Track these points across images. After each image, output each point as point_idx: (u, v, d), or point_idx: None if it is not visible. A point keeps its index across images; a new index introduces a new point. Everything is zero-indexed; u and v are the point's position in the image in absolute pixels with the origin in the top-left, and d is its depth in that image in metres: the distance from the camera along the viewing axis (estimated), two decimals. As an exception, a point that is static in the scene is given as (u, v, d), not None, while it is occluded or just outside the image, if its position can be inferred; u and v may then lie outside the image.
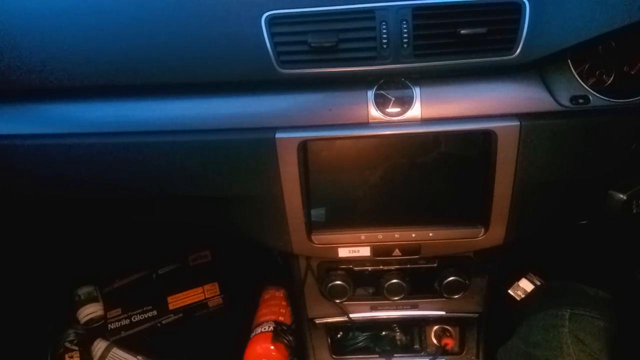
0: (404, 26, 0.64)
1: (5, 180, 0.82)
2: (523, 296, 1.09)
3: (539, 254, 1.15)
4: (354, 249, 0.82)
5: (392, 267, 0.91)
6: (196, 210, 0.87)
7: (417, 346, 1.05)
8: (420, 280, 0.92)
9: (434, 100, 0.71)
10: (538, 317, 0.88)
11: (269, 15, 0.65)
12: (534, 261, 1.16)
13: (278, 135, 0.71)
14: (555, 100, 0.69)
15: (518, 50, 0.65)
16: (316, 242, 0.81)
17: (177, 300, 1.38)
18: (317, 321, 1.00)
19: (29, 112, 0.75)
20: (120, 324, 1.35)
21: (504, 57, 0.66)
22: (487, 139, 0.71)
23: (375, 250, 0.82)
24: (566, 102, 0.69)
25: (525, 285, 1.11)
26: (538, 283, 1.11)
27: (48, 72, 0.70)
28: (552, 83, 0.69)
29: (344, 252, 0.83)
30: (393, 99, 0.71)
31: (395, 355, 1.03)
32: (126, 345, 1.28)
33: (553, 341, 0.82)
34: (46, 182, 0.81)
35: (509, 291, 1.12)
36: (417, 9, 0.64)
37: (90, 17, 0.69)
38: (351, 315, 0.97)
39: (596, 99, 0.69)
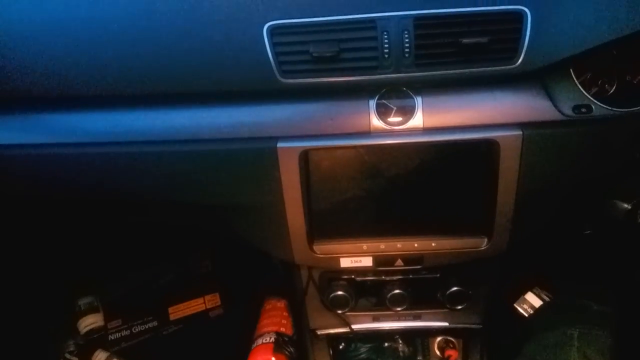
0: (406, 36, 0.65)
1: (5, 189, 0.82)
2: (529, 309, 1.08)
3: (544, 265, 1.14)
4: (356, 259, 0.82)
5: (395, 278, 0.90)
6: (198, 218, 0.86)
7: (419, 358, 1.04)
8: (422, 290, 0.91)
9: (435, 109, 0.70)
10: (547, 335, 0.88)
11: (270, 25, 0.65)
12: (539, 273, 1.15)
13: (279, 144, 0.71)
14: (558, 109, 0.69)
15: (520, 60, 0.65)
16: (318, 252, 0.81)
17: (178, 311, 1.37)
18: (319, 332, 0.99)
19: (29, 121, 0.76)
20: (121, 334, 1.34)
21: (506, 67, 0.66)
22: (489, 148, 0.71)
23: (378, 261, 0.82)
24: (569, 112, 0.69)
25: (531, 298, 1.10)
26: (544, 296, 1.10)
27: (48, 81, 0.70)
28: (554, 92, 0.69)
29: (345, 262, 0.82)
30: (395, 108, 0.71)
31: (397, 366, 1.03)
32: (126, 356, 1.27)
33: None
34: (47, 192, 0.81)
35: (515, 305, 1.11)
36: (419, 19, 0.64)
37: (91, 27, 0.69)
38: (353, 326, 0.97)
39: (599, 108, 0.69)
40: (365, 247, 0.80)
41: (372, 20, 0.65)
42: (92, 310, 1.35)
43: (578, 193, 0.78)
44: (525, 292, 1.08)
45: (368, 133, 0.71)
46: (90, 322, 1.33)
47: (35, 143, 0.75)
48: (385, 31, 0.65)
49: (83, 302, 1.36)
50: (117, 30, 0.69)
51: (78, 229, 1.23)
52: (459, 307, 0.90)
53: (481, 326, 0.97)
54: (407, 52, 0.65)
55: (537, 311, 1.05)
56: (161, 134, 0.73)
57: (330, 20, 0.65)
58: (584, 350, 0.81)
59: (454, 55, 0.66)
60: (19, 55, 0.70)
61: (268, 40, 0.66)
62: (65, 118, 0.75)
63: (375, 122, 0.71)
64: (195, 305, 1.38)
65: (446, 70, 0.67)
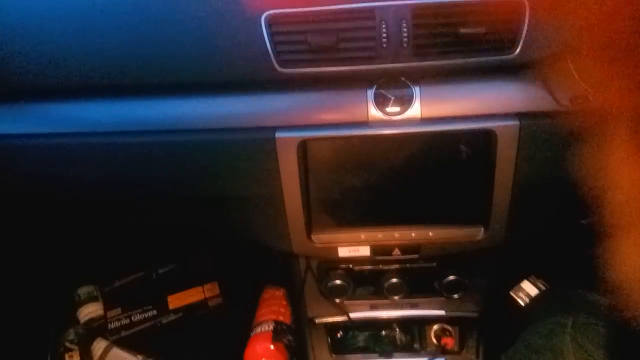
0: (404, 25, 0.64)
1: (4, 180, 0.82)
2: (525, 297, 1.09)
3: (540, 255, 1.15)
4: (353, 248, 0.82)
5: (392, 267, 0.91)
6: (195, 211, 0.87)
7: (416, 345, 1.05)
8: (419, 279, 0.91)
9: (433, 99, 0.71)
10: (541, 323, 0.88)
11: (268, 14, 0.65)
12: (535, 262, 1.16)
13: (278, 134, 0.71)
14: (555, 99, 0.69)
15: (518, 50, 0.65)
16: (316, 242, 0.81)
17: (177, 300, 1.38)
18: (317, 320, 1.00)
19: (28, 111, 0.75)
20: (120, 323, 1.35)
21: (504, 57, 0.66)
22: (486, 138, 0.71)
23: (375, 250, 0.82)
24: (566, 102, 0.69)
25: (527, 287, 1.11)
26: (540, 285, 1.11)
27: (47, 71, 0.70)
28: (552, 82, 0.69)
29: (343, 252, 0.83)
30: (393, 98, 0.71)
31: (394, 354, 1.04)
32: (126, 344, 1.28)
33: (555, 348, 0.82)
34: (44, 182, 0.81)
35: (511, 292, 1.12)
36: (417, 8, 0.64)
37: (89, 16, 0.69)
38: (351, 315, 0.97)
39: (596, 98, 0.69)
40: (363, 236, 0.81)
41: (371, 9, 0.64)
42: (91, 299, 1.36)
43: (575, 184, 0.78)
44: (522, 280, 1.09)
45: (366, 123, 0.71)
46: (89, 311, 1.34)
47: (34, 133, 0.75)
48: (384, 20, 0.64)
49: (82, 291, 1.37)
50: (114, 20, 0.68)
51: (77, 222, 1.23)
52: (456, 296, 0.91)
53: (477, 314, 0.98)
54: (405, 42, 0.65)
55: (533, 300, 1.06)
56: (159, 124, 0.73)
57: (328, 9, 0.65)
58: (577, 339, 0.82)
59: (452, 44, 0.66)
60: (19, 45, 0.70)
61: (266, 29, 0.65)
62: (63, 108, 0.75)
63: (373, 112, 0.71)
64: (194, 294, 1.39)
65: (444, 60, 0.67)
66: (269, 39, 0.66)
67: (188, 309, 1.37)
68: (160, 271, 1.43)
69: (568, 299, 0.94)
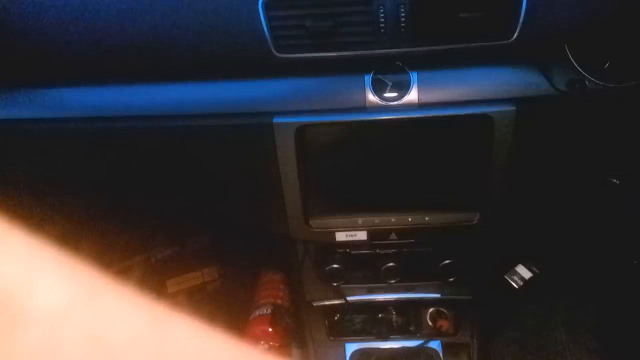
0: (402, 10, 0.64)
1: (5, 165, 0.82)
2: (519, 281, 1.11)
3: (536, 239, 1.17)
4: (351, 233, 0.83)
5: (389, 251, 0.92)
6: (193, 197, 0.87)
7: (412, 328, 1.07)
8: (416, 263, 0.93)
9: (431, 85, 0.71)
10: (534, 307, 0.90)
11: (265, -2, 0.64)
12: (531, 247, 1.17)
13: (275, 120, 0.71)
14: (552, 84, 0.69)
15: (515, 35, 0.65)
16: (314, 227, 0.82)
17: (176, 284, 1.39)
18: (315, 304, 1.01)
19: (26, 96, 0.75)
20: (120, 307, 1.36)
21: (501, 42, 0.66)
22: (483, 124, 0.71)
23: (372, 234, 0.83)
24: (562, 87, 0.69)
25: (522, 270, 1.12)
26: (535, 269, 1.12)
27: (40, 57, 0.70)
28: (548, 67, 0.70)
29: (341, 236, 0.83)
30: (390, 83, 0.71)
31: (391, 336, 1.05)
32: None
33: (547, 332, 0.84)
34: (42, 168, 0.81)
35: (505, 276, 1.14)
36: None
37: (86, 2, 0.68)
38: (348, 298, 0.99)
39: (592, 83, 0.69)
40: (360, 221, 0.81)
41: (368, -6, 0.64)
42: (91, 284, 1.37)
43: (571, 169, 0.79)
44: (516, 264, 1.11)
45: (364, 108, 0.71)
46: (89, 295, 1.35)
47: (31, 118, 0.75)
48: (381, 5, 0.64)
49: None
50: (110, 4, 0.67)
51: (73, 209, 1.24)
52: (451, 280, 0.92)
53: (472, 297, 1.00)
54: (403, 27, 0.65)
55: (527, 283, 1.08)
56: (157, 109, 0.73)
57: (325, -6, 0.64)
58: (569, 323, 0.83)
59: (450, 29, 0.65)
60: (16, 31, 0.69)
61: (263, 14, 0.65)
62: (60, 93, 0.74)
63: (371, 97, 0.71)
64: (193, 279, 1.40)
65: (442, 45, 0.66)
66: (266, 24, 0.65)
67: (187, 293, 1.39)
68: (159, 255, 1.44)
69: (561, 283, 0.96)
